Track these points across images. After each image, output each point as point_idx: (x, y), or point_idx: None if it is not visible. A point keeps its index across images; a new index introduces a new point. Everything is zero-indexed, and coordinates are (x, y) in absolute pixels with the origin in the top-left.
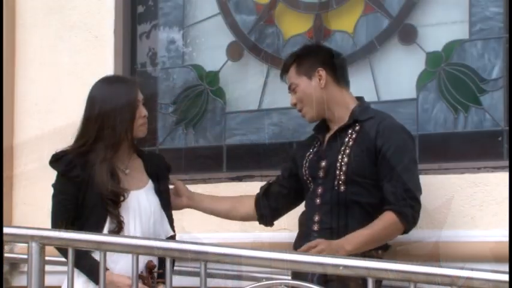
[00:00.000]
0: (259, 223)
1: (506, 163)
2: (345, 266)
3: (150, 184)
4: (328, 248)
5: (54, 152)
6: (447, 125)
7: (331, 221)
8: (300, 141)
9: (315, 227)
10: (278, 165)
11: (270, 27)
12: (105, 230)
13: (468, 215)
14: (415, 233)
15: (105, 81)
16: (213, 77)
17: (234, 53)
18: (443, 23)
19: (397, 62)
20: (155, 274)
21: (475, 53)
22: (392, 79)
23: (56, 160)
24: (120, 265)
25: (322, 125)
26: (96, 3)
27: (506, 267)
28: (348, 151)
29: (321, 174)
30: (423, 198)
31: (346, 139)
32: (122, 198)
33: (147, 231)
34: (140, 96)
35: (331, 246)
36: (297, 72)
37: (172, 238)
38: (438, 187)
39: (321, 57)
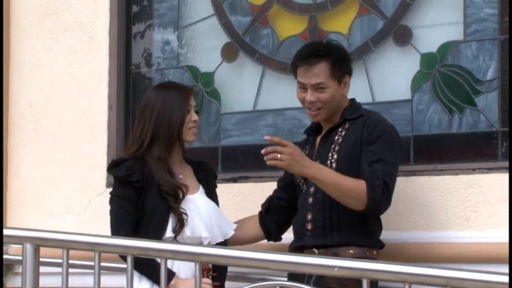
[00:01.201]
0: (268, 240)
1: (501, 164)
2: (340, 267)
3: (201, 189)
4: (294, 156)
5: (113, 159)
6: (442, 126)
7: (323, 219)
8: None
9: (309, 226)
10: (272, 167)
11: (264, 29)
12: (169, 229)
13: (463, 216)
14: (409, 234)
15: (160, 87)
16: (208, 78)
17: (229, 54)
18: (438, 24)
19: (392, 63)
20: (210, 277)
21: (469, 54)
22: (387, 80)
23: (115, 166)
24: (177, 268)
25: (314, 127)
26: (91, 4)
27: (501, 269)
28: (337, 148)
29: None
30: (417, 199)
31: (336, 137)
32: (181, 193)
33: (210, 229)
34: (193, 102)
35: (297, 158)
36: (331, 74)
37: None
38: (433, 188)
39: (349, 65)
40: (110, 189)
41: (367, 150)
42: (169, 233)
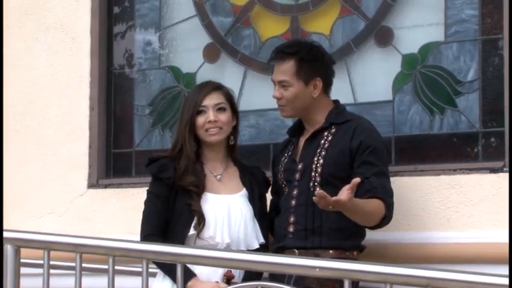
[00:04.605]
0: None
1: (482, 165)
2: (321, 268)
3: (243, 192)
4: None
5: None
6: (423, 126)
7: (306, 222)
8: (276, 148)
9: (290, 228)
10: None
11: (247, 29)
12: (192, 228)
13: (444, 216)
14: (391, 235)
15: (196, 86)
16: (189, 79)
17: (210, 54)
18: (419, 25)
19: (374, 64)
20: (231, 284)
21: (450, 55)
22: (368, 81)
23: (151, 163)
24: (199, 270)
25: (297, 128)
26: (72, 4)
27: (482, 269)
28: (323, 153)
29: (297, 176)
30: (399, 200)
31: (322, 141)
32: (196, 188)
33: (236, 237)
34: (210, 102)
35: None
36: (296, 74)
37: (263, 246)
38: (414, 189)
39: (322, 67)
40: (91, 190)
41: (364, 160)
42: (192, 230)
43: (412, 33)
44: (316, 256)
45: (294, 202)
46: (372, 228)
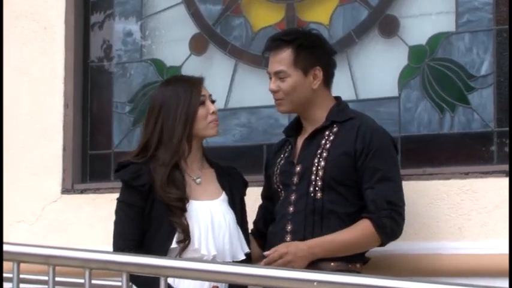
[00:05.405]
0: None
1: (497, 168)
2: (320, 282)
3: (223, 196)
4: (295, 258)
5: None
6: (432, 125)
7: (304, 231)
8: (270, 149)
9: (287, 237)
10: (246, 171)
11: (237, 18)
12: (174, 242)
13: (455, 224)
14: (397, 245)
15: (166, 82)
16: (174, 73)
17: (197, 46)
18: (428, 14)
19: (377, 56)
20: None
21: (462, 47)
22: (371, 75)
23: (121, 169)
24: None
25: (294, 127)
26: None
27: (497, 283)
28: (325, 154)
29: (295, 180)
30: (406, 206)
31: (323, 141)
32: (181, 204)
33: (221, 246)
34: (206, 92)
35: (298, 253)
36: (294, 63)
37: (248, 255)
38: (422, 194)
39: (322, 55)
40: (66, 196)
41: (367, 166)
42: (174, 244)
43: (419, 23)
44: (316, 268)
45: (291, 208)
46: (383, 245)
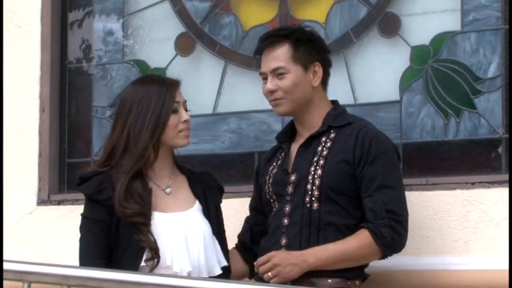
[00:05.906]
0: (251, 277)
1: (505, 177)
2: None
3: (197, 206)
4: (284, 262)
5: (81, 173)
6: (436, 132)
7: (300, 245)
8: (262, 156)
9: None
10: (236, 179)
11: (227, 16)
12: (143, 261)
13: (461, 238)
14: (398, 260)
15: (138, 82)
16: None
17: (184, 46)
18: (432, 11)
19: (377, 57)
20: None
21: (468, 48)
22: (371, 78)
23: (84, 181)
24: None
25: (287, 132)
26: None
27: None
28: (321, 162)
29: (290, 190)
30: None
31: (320, 148)
32: (142, 219)
33: (196, 261)
34: (181, 98)
35: (289, 259)
36: (293, 57)
37: (226, 269)
38: (425, 205)
39: (320, 50)
40: (42, 207)
41: (366, 174)
42: (143, 262)
43: (422, 21)
44: (311, 285)
45: (286, 221)
46: (384, 257)
